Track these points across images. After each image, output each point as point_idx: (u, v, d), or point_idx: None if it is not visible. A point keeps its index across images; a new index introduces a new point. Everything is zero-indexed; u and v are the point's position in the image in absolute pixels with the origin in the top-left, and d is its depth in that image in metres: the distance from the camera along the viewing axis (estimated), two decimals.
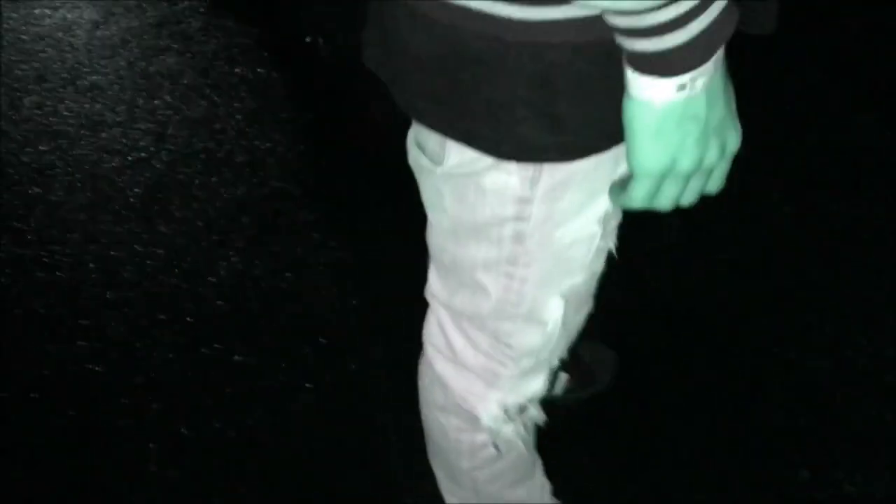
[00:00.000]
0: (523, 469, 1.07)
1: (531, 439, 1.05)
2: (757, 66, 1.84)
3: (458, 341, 0.90)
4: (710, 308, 1.61)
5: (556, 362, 0.93)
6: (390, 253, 1.65)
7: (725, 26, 0.58)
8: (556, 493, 1.30)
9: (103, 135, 1.97)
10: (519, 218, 0.75)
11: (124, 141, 1.94)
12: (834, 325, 1.58)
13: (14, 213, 1.81)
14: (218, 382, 1.53)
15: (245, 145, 1.93)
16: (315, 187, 1.85)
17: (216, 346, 1.58)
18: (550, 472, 1.21)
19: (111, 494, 1.40)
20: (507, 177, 0.72)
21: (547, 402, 1.46)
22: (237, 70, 2.10)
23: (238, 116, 2.00)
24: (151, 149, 1.93)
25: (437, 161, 0.75)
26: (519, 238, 0.76)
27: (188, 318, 1.62)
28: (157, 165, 1.89)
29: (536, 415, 0.97)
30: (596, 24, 0.60)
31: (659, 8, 0.54)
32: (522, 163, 0.70)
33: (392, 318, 1.55)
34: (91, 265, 1.71)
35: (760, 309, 1.61)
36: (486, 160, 0.71)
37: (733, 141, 0.65)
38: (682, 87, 0.58)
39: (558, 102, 0.66)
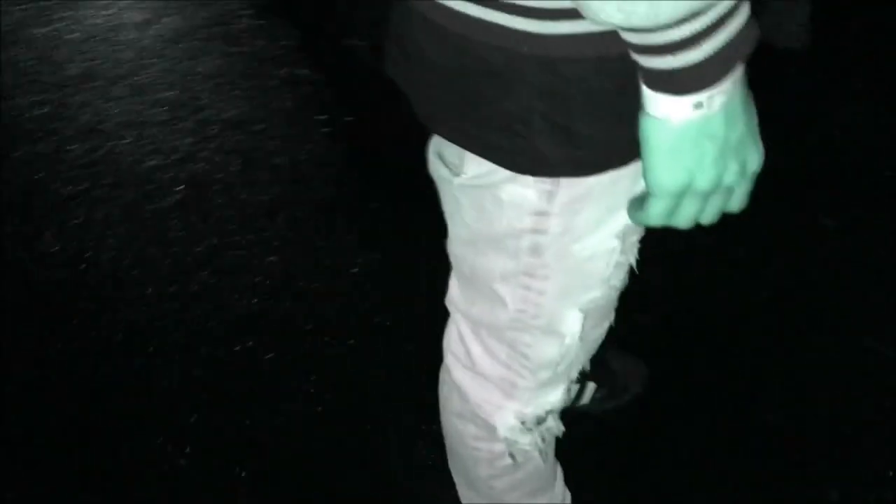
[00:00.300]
0: (542, 479, 1.06)
1: (550, 450, 1.04)
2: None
3: (477, 350, 0.90)
4: (710, 308, 1.60)
5: (574, 375, 0.92)
6: (423, 258, 1.66)
7: (744, 45, 0.57)
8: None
9: (147, 133, 2.00)
10: (536, 231, 0.74)
11: (167, 139, 1.98)
12: (834, 325, 1.56)
13: (59, 206, 1.85)
14: (244, 379, 1.55)
15: (284, 146, 1.95)
16: (351, 190, 1.86)
17: (249, 343, 1.60)
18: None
19: (142, 485, 1.43)
20: (524, 190, 0.72)
21: (575, 412, 1.47)
22: (280, 71, 2.13)
23: (279, 117, 2.02)
24: (193, 148, 1.96)
25: (456, 172, 0.76)
26: (536, 251, 0.76)
27: (222, 315, 1.65)
28: (198, 164, 1.92)
29: (555, 426, 0.96)
30: (613, 40, 0.59)
31: (671, 26, 0.53)
32: (538, 176, 0.70)
33: (416, 322, 1.56)
34: (129, 260, 1.75)
35: (761, 308, 1.60)
36: (503, 172, 0.71)
37: (755, 160, 0.63)
38: (698, 106, 0.58)
39: (574, 117, 0.66)
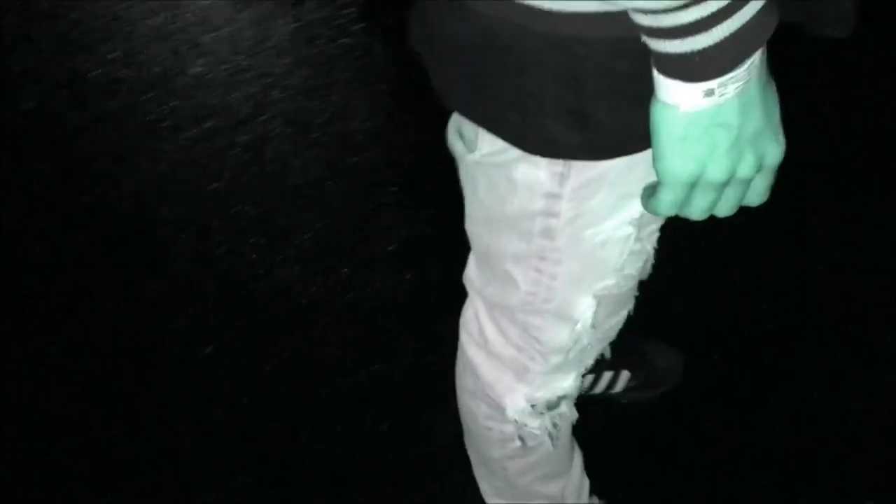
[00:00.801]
0: (557, 465, 1.06)
1: (565, 436, 1.03)
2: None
3: (491, 330, 0.89)
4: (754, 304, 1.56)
5: (589, 362, 0.91)
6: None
7: (760, 31, 0.54)
8: (600, 491, 1.29)
9: (208, 95, 2.04)
10: (548, 213, 0.73)
11: (226, 103, 2.01)
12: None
13: (120, 163, 1.90)
14: (277, 349, 1.58)
15: (342, 116, 1.96)
16: (405, 163, 1.87)
17: (287, 309, 1.63)
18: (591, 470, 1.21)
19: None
20: (536, 170, 0.71)
21: (607, 400, 1.45)
22: (342, 41, 2.14)
23: (339, 87, 2.03)
24: (251, 112, 1.98)
25: (472, 148, 0.75)
26: (548, 233, 0.75)
27: (266, 279, 1.68)
28: (256, 130, 1.95)
29: (568, 412, 0.95)
30: (628, 21, 0.58)
31: (680, 8, 0.51)
32: (549, 157, 0.68)
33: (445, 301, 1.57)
34: (186, 221, 1.79)
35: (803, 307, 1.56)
36: (515, 151, 0.70)
37: (774, 153, 0.60)
38: (709, 93, 0.55)
39: (587, 99, 0.64)
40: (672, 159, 0.59)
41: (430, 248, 1.69)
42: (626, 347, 1.46)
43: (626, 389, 1.45)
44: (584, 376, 1.39)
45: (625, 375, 1.44)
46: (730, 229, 1.50)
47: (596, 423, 1.41)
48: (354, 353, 1.57)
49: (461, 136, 0.77)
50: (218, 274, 1.70)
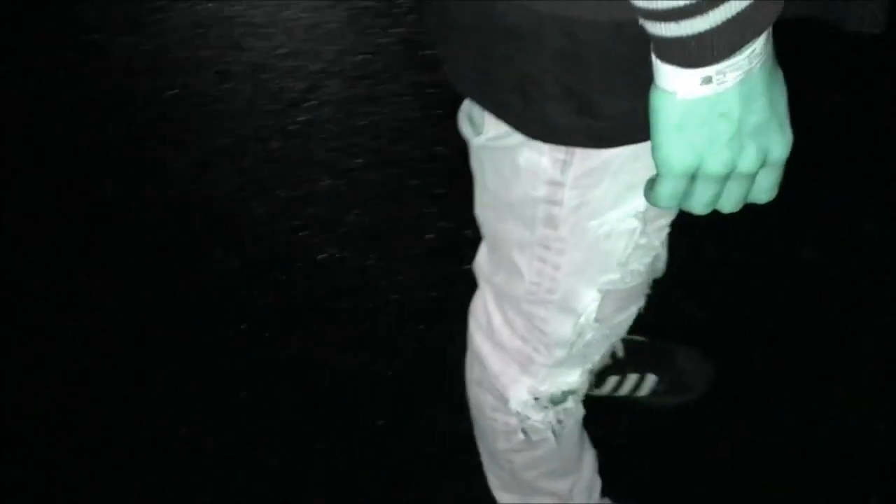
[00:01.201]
0: (564, 462, 1.04)
1: (572, 433, 1.01)
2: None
3: (498, 320, 0.88)
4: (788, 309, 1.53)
5: (596, 358, 0.89)
6: None
7: (761, 18, 0.52)
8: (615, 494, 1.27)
9: (263, 78, 2.06)
10: (551, 201, 0.72)
11: (280, 86, 2.03)
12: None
13: (188, 130, 1.94)
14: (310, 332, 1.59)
15: (390, 103, 1.97)
16: (448, 152, 1.86)
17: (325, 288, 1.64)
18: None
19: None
20: (539, 156, 0.70)
21: (631, 403, 1.43)
22: (394, 30, 2.14)
23: (389, 75, 2.04)
24: (302, 96, 2.00)
25: (478, 131, 0.74)
26: (551, 222, 0.74)
27: (305, 263, 1.69)
28: (305, 113, 1.97)
29: (574, 408, 0.94)
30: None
31: None
32: (550, 143, 0.67)
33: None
34: (221, 196, 1.82)
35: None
36: (518, 136, 0.69)
37: (779, 148, 0.58)
38: (707, 80, 0.53)
39: (590, 85, 0.63)
40: (669, 149, 0.57)
41: (473, 241, 1.69)
42: (654, 351, 1.44)
43: (652, 394, 1.43)
44: (607, 377, 1.38)
45: (651, 379, 1.41)
46: (733, 226, 1.49)
47: (612, 425, 1.41)
48: (356, 351, 1.56)
49: (471, 120, 0.76)
50: (274, 234, 1.71)
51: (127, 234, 1.77)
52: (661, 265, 0.86)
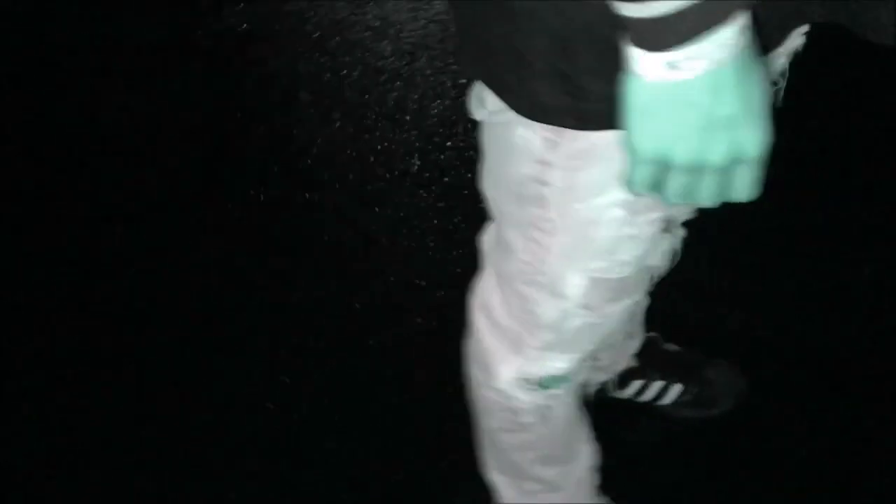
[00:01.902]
0: (556, 449, 1.05)
1: (563, 421, 1.01)
2: None
3: (496, 298, 0.90)
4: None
5: (589, 347, 0.90)
6: None
7: (727, 5, 0.52)
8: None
9: (357, 55, 2.07)
10: (540, 181, 0.73)
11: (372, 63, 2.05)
12: None
13: (275, 93, 1.99)
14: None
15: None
16: None
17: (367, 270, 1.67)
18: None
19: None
20: (532, 134, 0.71)
21: (654, 411, 1.41)
22: None
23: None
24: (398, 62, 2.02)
25: (481, 105, 0.76)
26: (541, 202, 0.75)
27: (353, 243, 1.71)
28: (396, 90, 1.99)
29: (564, 397, 0.94)
30: None
31: None
32: (538, 122, 0.68)
33: None
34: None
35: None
36: (513, 112, 0.70)
37: (753, 144, 0.57)
38: (672, 66, 0.54)
39: (578, 65, 0.63)
40: (636, 132, 0.57)
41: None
42: (684, 361, 1.42)
43: (677, 403, 1.41)
44: (630, 381, 1.37)
45: (676, 388, 1.40)
46: (732, 226, 1.46)
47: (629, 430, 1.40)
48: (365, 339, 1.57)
49: (480, 98, 0.78)
50: (336, 205, 1.73)
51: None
52: (664, 264, 0.86)
